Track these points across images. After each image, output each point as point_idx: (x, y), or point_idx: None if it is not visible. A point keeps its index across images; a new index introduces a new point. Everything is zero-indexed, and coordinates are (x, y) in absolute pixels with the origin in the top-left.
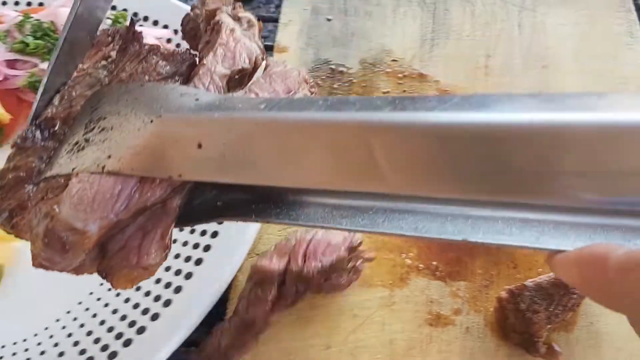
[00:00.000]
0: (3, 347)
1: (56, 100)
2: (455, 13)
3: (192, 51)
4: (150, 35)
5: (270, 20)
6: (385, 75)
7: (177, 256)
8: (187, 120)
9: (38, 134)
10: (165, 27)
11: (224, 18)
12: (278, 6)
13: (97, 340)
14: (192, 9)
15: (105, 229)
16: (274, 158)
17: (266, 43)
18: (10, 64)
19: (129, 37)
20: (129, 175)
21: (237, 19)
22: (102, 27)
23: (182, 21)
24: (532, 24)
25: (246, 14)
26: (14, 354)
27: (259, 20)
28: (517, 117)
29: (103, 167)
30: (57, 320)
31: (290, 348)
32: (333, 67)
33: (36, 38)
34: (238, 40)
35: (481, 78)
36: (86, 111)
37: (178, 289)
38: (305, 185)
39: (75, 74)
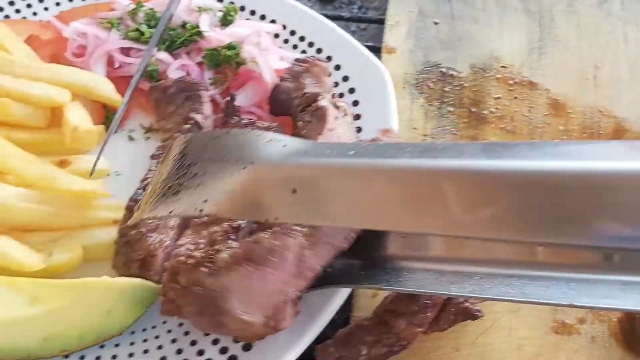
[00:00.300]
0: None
1: (153, 166)
2: (560, 23)
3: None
4: (258, 29)
5: (365, 21)
6: (495, 81)
7: None
8: (280, 167)
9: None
10: (273, 22)
11: (328, 105)
12: (360, 7)
13: (215, 341)
14: (282, 80)
15: (267, 317)
16: (364, 202)
17: (368, 44)
18: (124, 51)
19: (229, 111)
20: (283, 268)
21: (336, 106)
22: (207, 20)
23: (274, 90)
24: (637, 38)
25: (342, 103)
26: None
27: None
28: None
29: (200, 211)
30: None
31: (420, 349)
32: (443, 70)
33: (150, 27)
34: (340, 126)
35: (590, 89)
36: (175, 157)
37: None
38: (405, 229)
39: (162, 135)
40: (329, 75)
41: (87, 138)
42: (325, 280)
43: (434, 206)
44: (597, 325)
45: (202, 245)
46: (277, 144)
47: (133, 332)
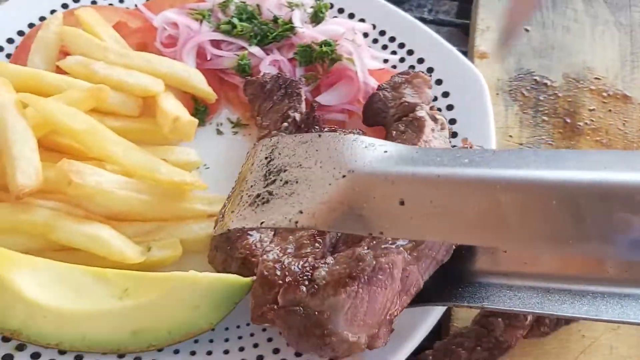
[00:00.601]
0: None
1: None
2: None
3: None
4: (352, 27)
5: (447, 25)
6: (589, 92)
7: None
8: (386, 176)
9: None
10: (362, 20)
11: (426, 116)
12: (430, 10)
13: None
14: (379, 89)
15: (369, 336)
16: (487, 216)
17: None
18: (215, 44)
19: (310, 121)
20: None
21: (434, 119)
22: (299, 16)
23: (370, 99)
24: None
25: (441, 117)
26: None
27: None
28: None
29: (296, 223)
30: None
31: None
32: (537, 78)
33: (241, 20)
34: (437, 139)
35: None
36: (261, 162)
37: None
38: (537, 248)
39: (258, 132)
40: (431, 87)
41: (186, 129)
42: (419, 297)
43: (570, 221)
44: None
45: (289, 250)
46: (377, 150)
47: (227, 329)
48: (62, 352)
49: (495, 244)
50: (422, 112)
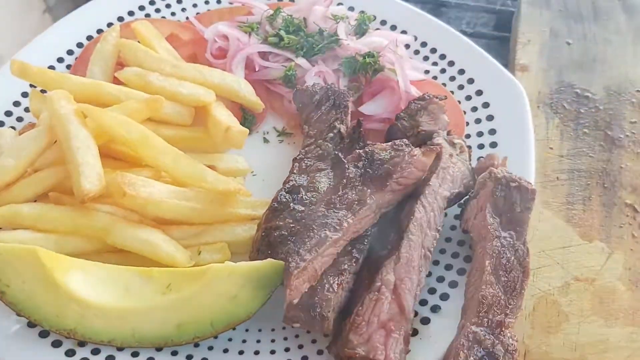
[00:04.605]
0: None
1: (295, 169)
2: None
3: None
4: (394, 39)
5: (488, 37)
6: (630, 105)
7: None
8: None
9: (289, 197)
10: (404, 32)
11: (443, 143)
12: (469, 23)
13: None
14: (397, 120)
15: None
16: None
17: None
18: (262, 55)
19: (355, 136)
20: None
21: (452, 144)
22: (343, 28)
23: (389, 130)
24: None
25: (459, 140)
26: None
27: None
28: None
29: None
30: None
31: None
32: (578, 91)
33: (288, 32)
34: (455, 164)
35: None
36: None
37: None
38: None
39: (303, 140)
40: (445, 112)
41: (237, 138)
42: None
43: None
44: None
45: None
46: None
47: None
48: (120, 349)
49: None
50: (439, 139)
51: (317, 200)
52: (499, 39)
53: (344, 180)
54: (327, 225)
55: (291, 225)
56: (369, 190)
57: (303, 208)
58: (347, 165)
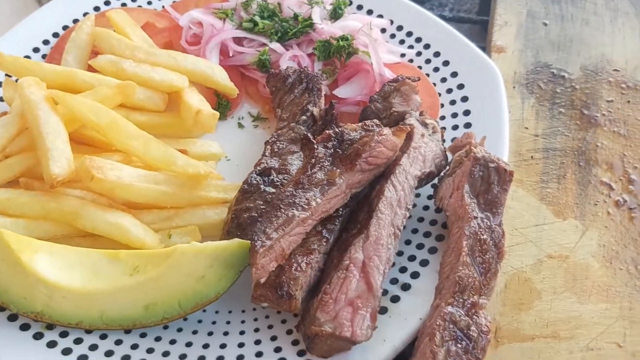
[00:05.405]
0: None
1: (267, 152)
2: None
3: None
4: (369, 22)
5: (466, 22)
6: (607, 84)
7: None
8: None
9: (260, 179)
10: (380, 16)
11: (415, 123)
12: (452, 9)
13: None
14: (371, 102)
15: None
16: None
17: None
18: (237, 41)
19: (328, 118)
20: None
21: (424, 124)
22: (318, 12)
23: (362, 113)
24: None
25: (432, 120)
26: None
27: None
28: None
29: None
30: None
31: (532, 350)
32: (554, 71)
33: (263, 18)
34: (427, 144)
35: None
36: None
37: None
38: None
39: (277, 124)
40: (417, 92)
41: (208, 122)
42: None
43: None
44: None
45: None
46: None
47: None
48: (88, 331)
49: None
50: (411, 120)
51: (288, 182)
52: (481, 23)
53: (313, 160)
54: (295, 205)
55: (261, 206)
56: (338, 170)
57: (274, 190)
58: (316, 146)
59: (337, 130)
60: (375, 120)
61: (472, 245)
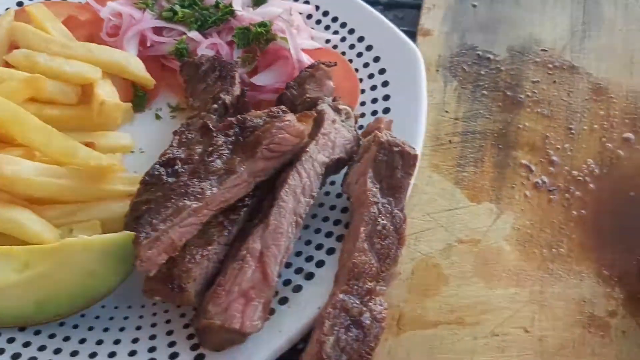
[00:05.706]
0: None
1: (175, 142)
2: (606, 6)
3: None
4: (289, 7)
5: (402, 6)
6: (534, 64)
7: None
8: None
9: (162, 171)
10: (307, 2)
11: (326, 108)
12: None
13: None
14: (287, 88)
15: None
16: None
17: (404, 28)
18: (157, 31)
19: (239, 105)
20: None
21: (337, 110)
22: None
23: (277, 100)
24: None
25: (345, 106)
26: None
27: None
28: None
29: None
30: None
31: (435, 336)
32: (479, 53)
33: (184, 7)
34: (338, 131)
35: (636, 73)
36: None
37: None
38: None
39: (188, 113)
40: (331, 78)
41: (113, 112)
42: None
43: None
44: (628, 320)
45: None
46: None
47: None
48: None
49: None
50: (323, 106)
51: (184, 172)
52: (417, 7)
53: (210, 149)
54: (187, 195)
55: (161, 199)
56: (238, 158)
57: (178, 181)
58: (215, 133)
59: (239, 117)
60: (282, 107)
61: (371, 231)
